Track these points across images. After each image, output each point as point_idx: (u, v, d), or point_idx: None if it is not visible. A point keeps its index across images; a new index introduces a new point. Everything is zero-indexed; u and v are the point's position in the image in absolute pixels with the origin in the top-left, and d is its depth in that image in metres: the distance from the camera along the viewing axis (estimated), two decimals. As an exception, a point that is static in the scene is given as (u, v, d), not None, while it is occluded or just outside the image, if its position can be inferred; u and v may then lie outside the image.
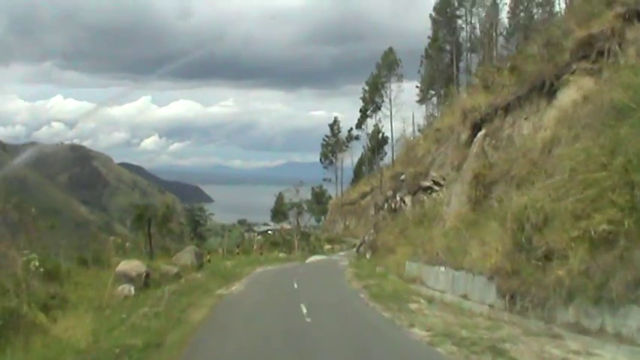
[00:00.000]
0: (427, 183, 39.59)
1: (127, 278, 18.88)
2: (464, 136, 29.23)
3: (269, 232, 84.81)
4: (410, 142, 56.42)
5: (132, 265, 19.91)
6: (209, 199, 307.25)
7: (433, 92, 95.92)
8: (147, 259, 24.21)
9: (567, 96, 20.47)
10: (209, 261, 35.32)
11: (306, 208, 71.10)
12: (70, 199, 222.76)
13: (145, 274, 19.74)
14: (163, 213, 33.69)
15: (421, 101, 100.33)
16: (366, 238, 49.47)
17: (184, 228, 39.99)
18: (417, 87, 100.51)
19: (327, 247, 73.32)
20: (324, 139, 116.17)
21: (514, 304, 13.25)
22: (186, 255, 30.16)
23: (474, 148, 26.39)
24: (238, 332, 14.78)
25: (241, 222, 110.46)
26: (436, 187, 39.24)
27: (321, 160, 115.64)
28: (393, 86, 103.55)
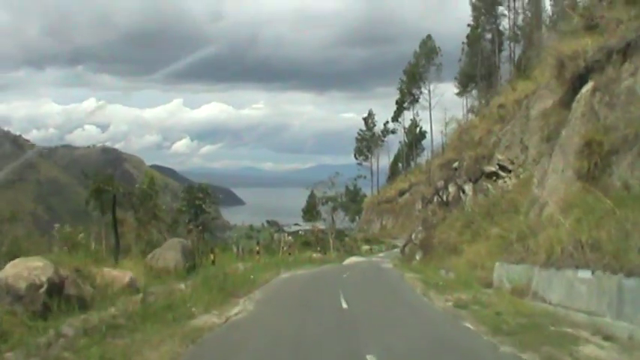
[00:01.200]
0: (492, 168, 32.45)
1: (12, 294, 9.84)
2: (558, 94, 22.13)
3: (300, 232, 77.96)
4: (463, 124, 49.03)
5: (22, 268, 10.28)
6: (240, 202, 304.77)
7: (473, 84, 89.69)
8: (95, 257, 16.38)
9: None
10: (213, 262, 24.98)
11: (340, 203, 63.76)
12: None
13: (46, 286, 10.22)
14: (142, 191, 24.49)
15: (460, 94, 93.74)
16: (414, 236, 42.41)
17: (182, 216, 28.65)
18: (455, 78, 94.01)
19: (365, 247, 66.50)
20: (358, 134, 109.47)
21: None
22: (169, 253, 19.06)
23: (579, 107, 19.30)
24: None
25: (270, 223, 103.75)
26: (502, 173, 32.12)
27: (355, 155, 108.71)
28: (432, 77, 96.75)
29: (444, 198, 40.59)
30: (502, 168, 32.13)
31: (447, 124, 60.77)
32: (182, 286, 16.21)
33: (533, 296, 13.11)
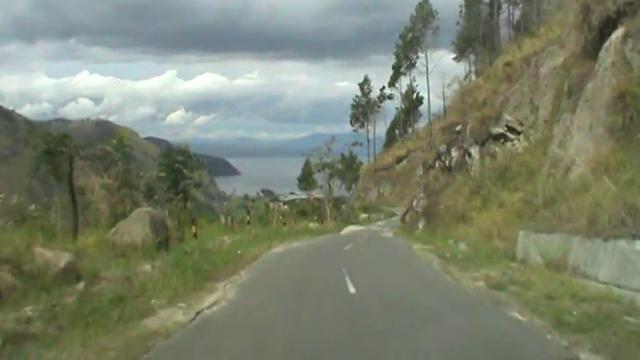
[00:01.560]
0: (500, 129, 30.36)
1: None
2: (580, 43, 19.95)
3: (296, 201, 75.98)
4: (465, 85, 46.66)
5: None
6: (236, 172, 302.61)
7: (471, 49, 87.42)
8: (60, 235, 13.27)
9: None
10: (195, 236, 21.49)
11: (337, 170, 61.31)
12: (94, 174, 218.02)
13: None
14: (107, 153, 20.51)
15: (458, 58, 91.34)
16: (415, 203, 40.46)
17: (158, 182, 24.15)
18: (452, 43, 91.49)
19: (363, 216, 64.50)
20: (354, 100, 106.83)
21: None
22: (135, 226, 15.10)
23: (608, 56, 17.13)
24: None
25: (265, 192, 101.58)
26: (511, 135, 30.06)
27: (351, 122, 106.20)
28: (429, 41, 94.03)
29: (447, 163, 38.61)
30: (510, 129, 30.07)
31: (448, 85, 58.15)
32: (147, 267, 12.69)
33: (573, 272, 11.10)
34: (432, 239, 25.42)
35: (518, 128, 29.80)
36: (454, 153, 37.78)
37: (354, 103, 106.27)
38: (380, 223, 59.91)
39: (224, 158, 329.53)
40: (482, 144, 31.36)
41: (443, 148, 40.20)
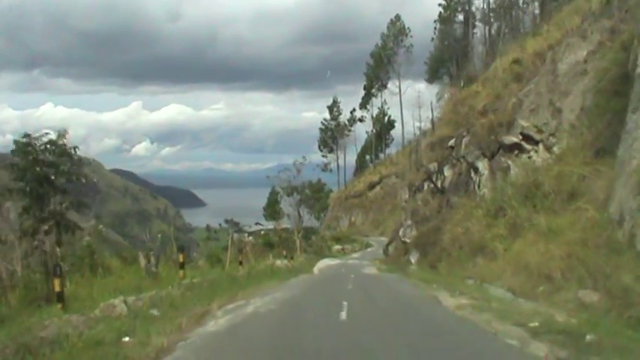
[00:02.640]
0: (514, 139, 24.22)
1: None
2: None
3: (262, 232, 69.05)
4: (457, 94, 40.56)
5: None
6: (202, 204, 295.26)
7: (444, 70, 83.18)
8: None
9: None
10: (59, 298, 10.35)
11: (306, 196, 54.39)
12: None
13: None
14: None
15: (431, 80, 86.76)
16: (402, 232, 34.05)
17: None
18: (425, 63, 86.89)
19: (337, 247, 57.83)
20: (322, 123, 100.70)
21: None
22: None
23: None
24: None
25: (229, 222, 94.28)
26: (527, 145, 23.96)
27: (320, 147, 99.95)
28: (401, 59, 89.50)
29: (439, 184, 32.41)
30: (526, 138, 24.02)
31: (436, 94, 52.72)
32: None
33: None
34: (443, 279, 18.79)
35: (536, 136, 23.80)
36: (448, 172, 31.64)
37: (323, 127, 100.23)
38: (356, 255, 53.51)
39: (190, 190, 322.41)
40: (492, 157, 25.19)
41: (433, 166, 34.02)
